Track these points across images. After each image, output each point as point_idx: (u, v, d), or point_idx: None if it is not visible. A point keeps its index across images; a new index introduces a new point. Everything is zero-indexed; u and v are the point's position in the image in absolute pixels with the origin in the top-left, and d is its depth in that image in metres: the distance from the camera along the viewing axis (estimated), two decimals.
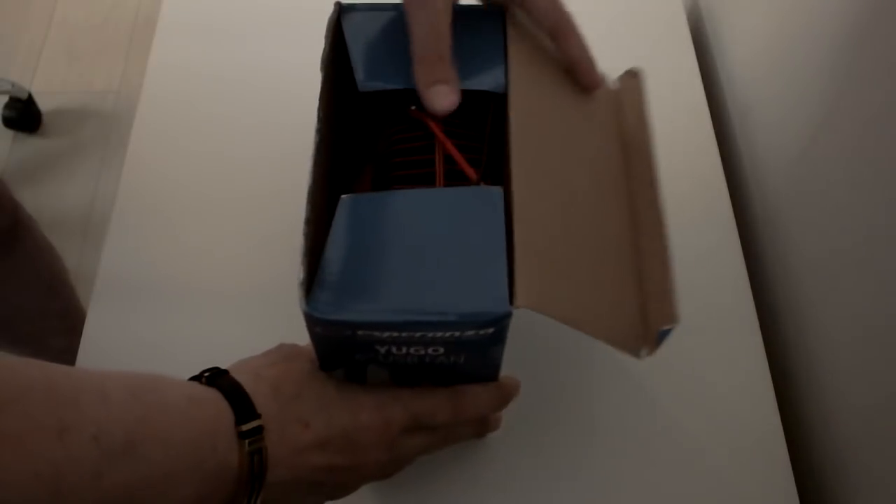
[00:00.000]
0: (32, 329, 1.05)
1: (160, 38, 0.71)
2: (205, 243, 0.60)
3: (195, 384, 0.37)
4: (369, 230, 0.36)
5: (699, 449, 0.52)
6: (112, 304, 0.57)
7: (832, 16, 0.51)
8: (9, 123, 1.54)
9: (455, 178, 0.42)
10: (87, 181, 1.51)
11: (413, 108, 0.46)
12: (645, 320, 0.37)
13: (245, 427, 0.35)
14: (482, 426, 0.47)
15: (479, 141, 0.46)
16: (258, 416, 0.36)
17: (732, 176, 0.65)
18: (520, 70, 0.42)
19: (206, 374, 0.38)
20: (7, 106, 1.53)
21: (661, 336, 0.36)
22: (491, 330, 0.35)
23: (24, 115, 1.54)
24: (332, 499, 0.41)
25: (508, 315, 0.34)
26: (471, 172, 0.43)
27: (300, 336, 0.56)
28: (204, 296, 0.57)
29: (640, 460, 0.51)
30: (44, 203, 1.48)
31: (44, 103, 1.58)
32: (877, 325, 0.46)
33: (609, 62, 0.45)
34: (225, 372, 0.38)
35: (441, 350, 0.36)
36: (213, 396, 0.36)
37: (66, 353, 1.09)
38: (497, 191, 0.37)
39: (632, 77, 0.45)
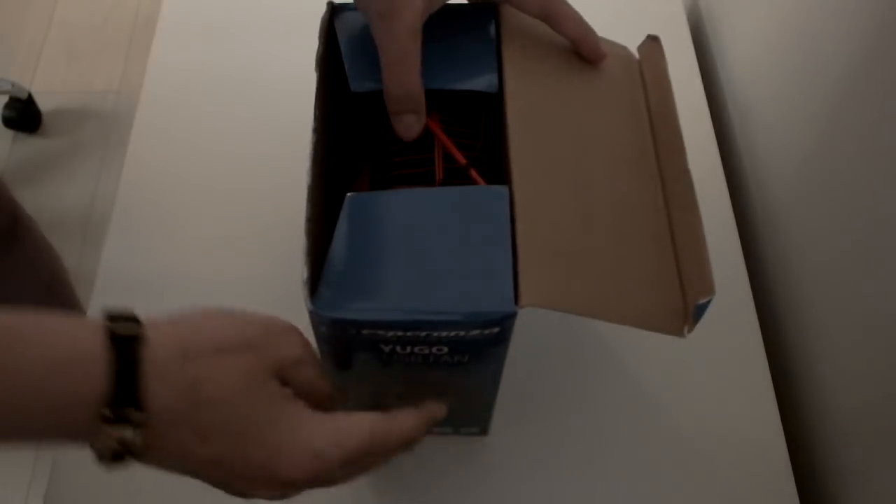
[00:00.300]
0: None
1: (160, 38, 0.71)
2: (205, 242, 0.60)
3: (78, 337, 0.29)
4: (374, 229, 0.36)
5: (699, 449, 0.52)
6: (112, 303, 0.57)
7: (832, 15, 0.51)
8: (9, 123, 1.54)
9: (454, 176, 0.42)
10: (87, 181, 1.50)
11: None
12: (684, 296, 0.36)
13: (110, 413, 0.28)
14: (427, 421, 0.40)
15: (478, 137, 0.46)
16: (139, 408, 0.29)
17: (732, 176, 0.65)
18: (515, 64, 0.41)
19: (111, 318, 0.30)
20: (7, 106, 1.53)
21: (699, 310, 0.34)
22: (496, 329, 0.35)
23: (24, 115, 1.54)
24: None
25: (513, 315, 0.34)
26: (472, 172, 0.43)
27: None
28: (204, 295, 0.57)
29: (640, 460, 0.51)
30: (44, 203, 1.48)
31: (44, 103, 1.58)
32: (877, 325, 0.46)
33: None
34: (137, 327, 0.30)
35: (445, 350, 0.36)
36: (89, 359, 0.29)
37: None
38: (502, 190, 0.36)
39: (652, 42, 0.44)
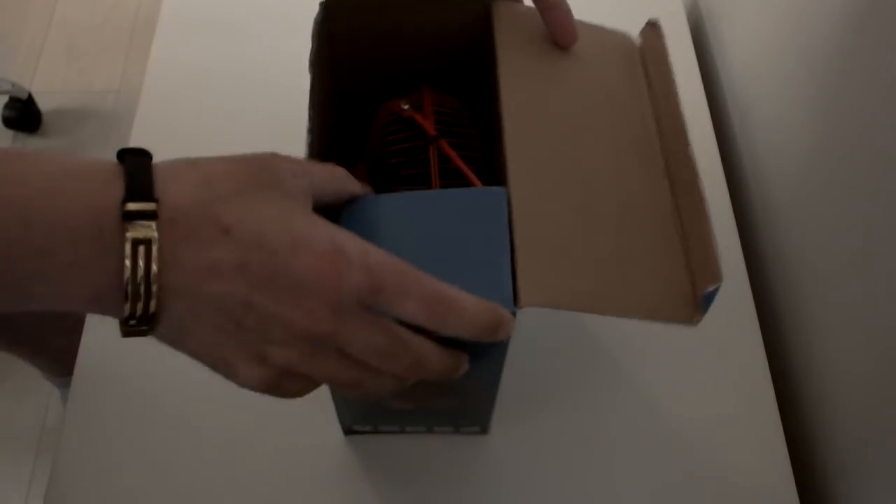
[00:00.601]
0: (32, 328, 1.05)
1: (160, 38, 0.71)
2: None
3: (86, 159, 0.29)
4: (372, 232, 0.36)
5: (699, 449, 0.52)
6: None
7: (832, 15, 0.51)
8: (9, 123, 1.54)
9: (451, 176, 0.42)
10: None
11: (406, 107, 0.46)
12: (693, 284, 0.35)
13: (131, 206, 0.28)
14: (452, 359, 0.35)
15: (473, 138, 0.46)
16: (153, 200, 0.28)
17: (732, 176, 0.65)
18: (510, 58, 0.41)
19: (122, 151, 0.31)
20: (7, 106, 1.53)
21: (707, 298, 0.34)
22: None
23: (24, 115, 1.54)
24: (239, 370, 0.31)
25: (512, 315, 0.34)
26: (469, 172, 0.43)
27: None
28: None
29: (640, 460, 0.51)
30: None
31: (44, 103, 1.58)
32: (877, 326, 0.46)
33: None
34: (144, 152, 0.32)
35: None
36: (103, 170, 0.29)
37: (66, 352, 1.09)
38: (500, 191, 0.36)
39: (652, 28, 0.44)
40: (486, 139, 0.46)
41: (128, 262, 0.28)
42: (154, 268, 0.28)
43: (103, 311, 0.29)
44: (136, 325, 0.29)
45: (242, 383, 0.31)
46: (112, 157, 0.32)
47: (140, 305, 0.28)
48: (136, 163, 0.30)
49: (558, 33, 0.42)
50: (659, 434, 0.52)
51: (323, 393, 0.51)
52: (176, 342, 0.31)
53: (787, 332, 0.58)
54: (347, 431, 0.52)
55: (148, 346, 0.55)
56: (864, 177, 0.47)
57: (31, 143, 1.56)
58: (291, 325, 0.30)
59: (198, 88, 0.67)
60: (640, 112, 0.41)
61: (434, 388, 0.41)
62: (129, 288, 0.28)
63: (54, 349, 1.11)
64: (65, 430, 0.52)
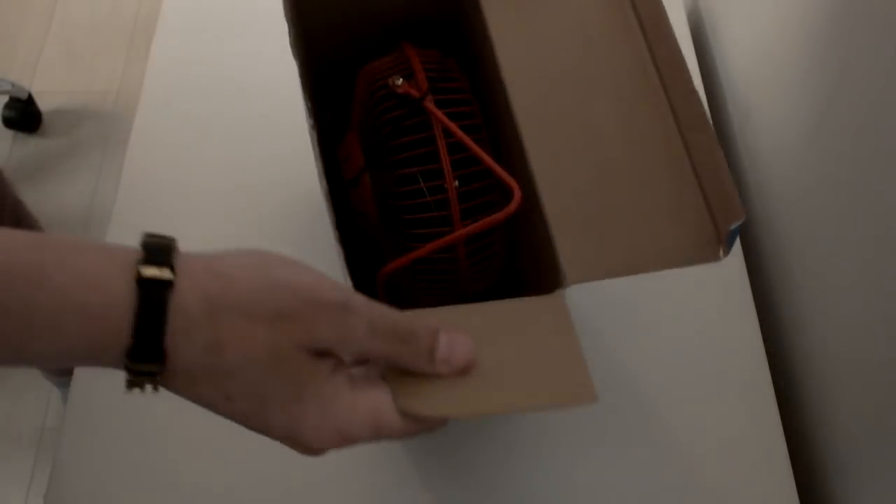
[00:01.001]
0: None
1: (160, 39, 0.71)
2: (205, 242, 0.60)
3: (104, 279, 0.28)
4: None
5: (699, 449, 0.52)
6: None
7: (832, 16, 0.51)
8: (9, 123, 1.54)
9: (456, 151, 0.42)
10: (87, 181, 1.50)
11: (399, 82, 0.44)
12: (714, 220, 0.36)
13: (131, 365, 0.28)
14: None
15: (464, 91, 0.45)
16: (160, 358, 0.29)
17: (732, 176, 0.65)
18: (498, 19, 0.41)
19: (146, 249, 0.30)
20: (7, 106, 1.53)
21: (732, 235, 0.34)
22: None
23: (24, 115, 1.54)
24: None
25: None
26: (478, 151, 0.42)
27: None
28: None
29: (640, 460, 0.51)
30: (44, 203, 1.48)
31: (44, 103, 1.58)
32: (877, 326, 0.46)
33: None
34: (168, 272, 0.29)
35: None
36: (114, 308, 0.28)
37: None
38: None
39: None
40: (475, 89, 0.46)
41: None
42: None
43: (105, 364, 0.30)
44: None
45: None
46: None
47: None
48: (150, 304, 0.28)
49: None
50: (659, 434, 0.52)
51: None
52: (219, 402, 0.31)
53: (787, 332, 0.58)
54: None
55: None
56: (864, 177, 0.47)
57: (30, 143, 1.56)
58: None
59: (197, 88, 0.67)
60: (636, 49, 0.41)
61: None
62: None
63: None
64: (65, 430, 0.52)
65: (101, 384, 0.54)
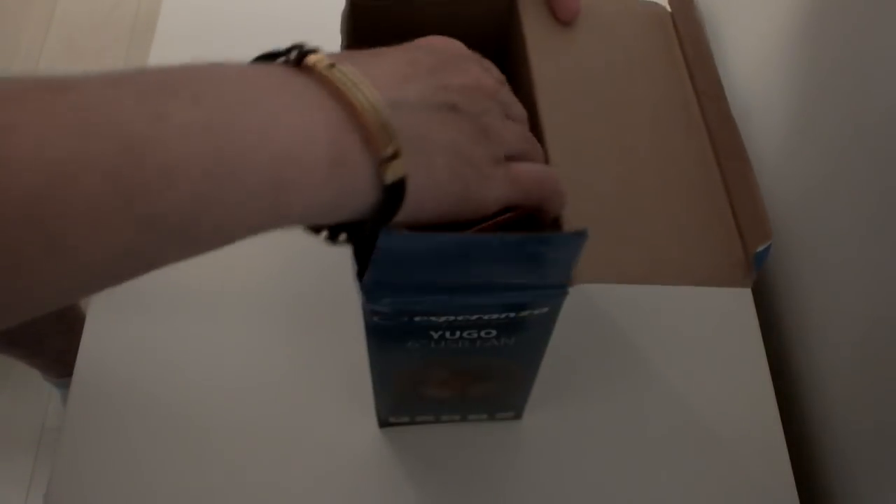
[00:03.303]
0: (31, 330, 1.05)
1: (160, 38, 0.70)
2: None
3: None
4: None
5: (699, 449, 0.52)
6: (111, 304, 0.57)
7: (833, 16, 0.51)
8: None
9: None
10: None
11: None
12: (744, 246, 0.36)
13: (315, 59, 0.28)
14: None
15: None
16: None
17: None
18: (536, 34, 0.41)
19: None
20: None
21: (759, 258, 0.34)
22: (545, 309, 0.35)
23: None
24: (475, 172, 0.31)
25: (564, 293, 0.34)
26: None
27: (305, 335, 0.56)
28: (205, 296, 0.57)
29: (639, 460, 0.51)
30: None
31: None
32: (877, 326, 0.46)
33: None
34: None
35: (493, 332, 0.36)
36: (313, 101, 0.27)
37: (66, 353, 1.09)
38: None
39: None
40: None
41: (357, 96, 0.27)
42: (376, 95, 0.27)
43: (348, 169, 0.27)
44: (390, 159, 0.27)
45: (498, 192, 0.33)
46: None
47: (384, 135, 0.27)
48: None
49: (557, 6, 0.42)
50: (658, 434, 0.52)
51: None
52: (430, 165, 0.30)
53: (787, 332, 0.58)
54: (383, 424, 0.52)
55: (148, 348, 0.55)
56: (865, 177, 0.47)
57: None
58: (477, 81, 0.32)
59: None
60: (678, 79, 0.41)
61: (477, 374, 0.41)
62: (369, 118, 0.27)
63: (53, 351, 1.11)
64: (65, 430, 0.52)
65: (102, 384, 0.54)
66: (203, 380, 0.53)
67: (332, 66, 0.28)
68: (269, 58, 0.30)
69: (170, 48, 0.70)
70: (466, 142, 0.31)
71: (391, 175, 0.27)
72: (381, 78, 0.29)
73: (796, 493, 0.50)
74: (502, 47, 0.46)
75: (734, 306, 0.57)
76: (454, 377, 0.40)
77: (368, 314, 0.35)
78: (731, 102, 0.40)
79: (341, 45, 0.40)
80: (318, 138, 0.26)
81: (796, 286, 0.57)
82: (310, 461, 0.51)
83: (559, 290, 0.34)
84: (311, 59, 0.28)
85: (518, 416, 0.52)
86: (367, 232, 0.29)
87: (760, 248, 0.34)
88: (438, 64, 0.32)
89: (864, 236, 0.47)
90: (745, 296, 0.58)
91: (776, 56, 0.59)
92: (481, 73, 0.33)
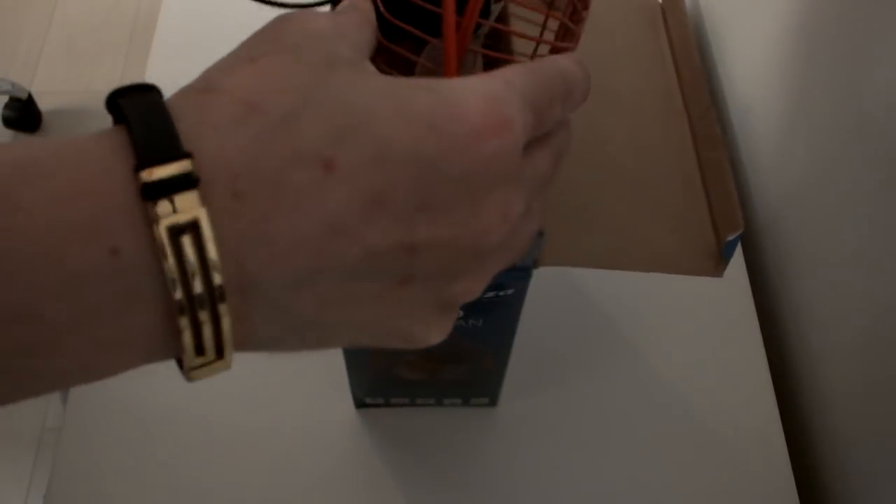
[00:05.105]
0: None
1: (160, 38, 0.71)
2: None
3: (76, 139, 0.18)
4: None
5: (699, 449, 0.52)
6: None
7: (833, 15, 0.51)
8: (9, 123, 1.54)
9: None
10: None
11: None
12: (717, 237, 0.35)
13: (148, 176, 0.17)
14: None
15: None
16: (186, 155, 0.18)
17: (732, 175, 0.65)
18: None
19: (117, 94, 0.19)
20: (7, 106, 1.53)
21: (728, 248, 0.33)
22: (510, 291, 0.35)
23: (24, 115, 1.54)
24: (409, 339, 0.23)
25: (529, 275, 0.34)
26: None
27: None
28: None
29: (639, 460, 0.51)
30: None
31: (44, 103, 1.58)
32: (877, 326, 0.46)
33: None
34: (150, 88, 0.20)
35: (461, 314, 0.36)
36: (104, 141, 0.18)
37: None
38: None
39: None
40: None
41: (170, 262, 0.17)
42: (214, 256, 0.18)
43: (160, 358, 0.20)
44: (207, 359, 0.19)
45: (429, 342, 0.23)
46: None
47: (204, 316, 0.18)
48: (144, 108, 0.19)
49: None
50: (658, 433, 0.52)
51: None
52: (307, 343, 0.21)
53: (787, 332, 0.58)
54: (359, 405, 0.52)
55: None
56: (865, 176, 0.47)
57: None
58: (481, 237, 0.21)
59: None
60: (662, 69, 0.41)
61: (448, 357, 0.41)
62: (187, 302, 0.18)
63: None
64: (65, 430, 0.52)
65: (102, 384, 0.54)
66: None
67: (181, 231, 0.17)
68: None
69: (170, 48, 0.70)
70: (404, 319, 0.22)
71: (200, 376, 0.20)
72: (300, 232, 0.18)
73: (796, 493, 0.50)
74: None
75: (734, 306, 0.57)
76: (423, 358, 0.39)
77: None
78: (729, 99, 0.40)
79: None
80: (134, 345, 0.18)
81: (796, 286, 0.57)
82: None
83: (523, 272, 0.34)
84: (176, 201, 0.17)
85: (493, 402, 0.52)
86: None
87: (730, 238, 0.33)
88: (428, 194, 0.20)
89: (863, 234, 0.47)
90: (745, 295, 0.58)
91: (774, 53, 0.59)
92: (514, 201, 0.21)
